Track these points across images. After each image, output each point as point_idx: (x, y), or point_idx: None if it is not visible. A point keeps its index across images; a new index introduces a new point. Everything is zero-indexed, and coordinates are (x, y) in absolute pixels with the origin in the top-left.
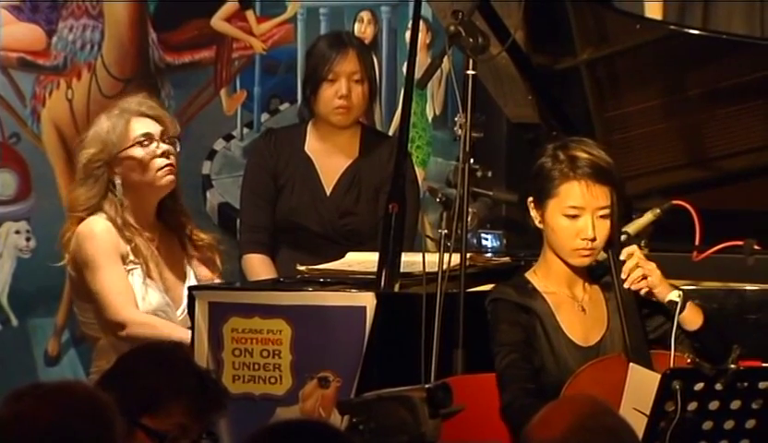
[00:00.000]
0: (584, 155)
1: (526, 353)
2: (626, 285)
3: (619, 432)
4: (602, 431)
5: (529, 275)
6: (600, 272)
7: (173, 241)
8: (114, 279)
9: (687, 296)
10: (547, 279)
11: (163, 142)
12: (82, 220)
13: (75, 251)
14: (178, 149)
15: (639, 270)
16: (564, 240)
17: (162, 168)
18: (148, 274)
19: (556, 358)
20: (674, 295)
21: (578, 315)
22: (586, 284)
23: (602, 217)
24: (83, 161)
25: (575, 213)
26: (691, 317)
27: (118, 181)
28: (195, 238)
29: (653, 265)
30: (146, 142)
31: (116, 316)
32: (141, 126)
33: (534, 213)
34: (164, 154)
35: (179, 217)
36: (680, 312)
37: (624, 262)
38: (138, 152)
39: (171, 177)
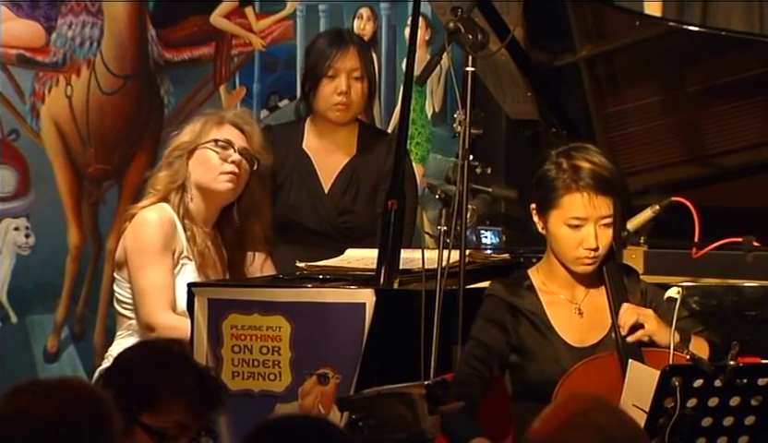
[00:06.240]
0: (587, 165)
1: (487, 358)
2: (627, 338)
3: (609, 429)
4: (589, 428)
5: (531, 272)
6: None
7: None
8: (156, 277)
9: (688, 334)
10: (549, 279)
11: (239, 154)
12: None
13: (128, 234)
14: (255, 168)
15: (633, 317)
16: (566, 249)
17: (224, 172)
18: (201, 268)
19: (548, 357)
20: (672, 292)
21: (573, 317)
22: (590, 288)
23: (604, 225)
24: (169, 147)
25: (578, 224)
26: (698, 349)
27: (189, 175)
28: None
29: (649, 312)
30: (223, 146)
31: (149, 317)
32: (226, 133)
33: (536, 219)
34: (234, 163)
35: (241, 238)
36: (686, 347)
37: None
38: (210, 151)
39: (229, 185)
